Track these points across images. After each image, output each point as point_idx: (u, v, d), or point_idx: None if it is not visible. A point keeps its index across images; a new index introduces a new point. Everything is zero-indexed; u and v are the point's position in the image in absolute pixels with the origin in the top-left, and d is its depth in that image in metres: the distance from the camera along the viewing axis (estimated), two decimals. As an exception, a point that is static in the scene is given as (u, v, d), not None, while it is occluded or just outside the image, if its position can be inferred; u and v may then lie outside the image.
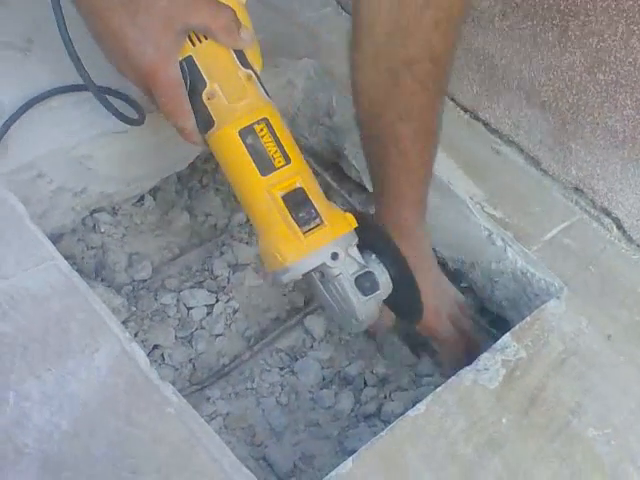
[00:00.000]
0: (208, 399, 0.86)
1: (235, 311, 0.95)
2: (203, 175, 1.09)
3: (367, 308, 0.76)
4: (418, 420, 0.75)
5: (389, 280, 0.78)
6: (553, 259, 0.93)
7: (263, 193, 0.73)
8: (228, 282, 0.97)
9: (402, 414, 0.83)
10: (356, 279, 0.75)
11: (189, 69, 0.74)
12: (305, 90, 1.11)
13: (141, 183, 1.01)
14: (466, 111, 1.09)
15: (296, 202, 0.73)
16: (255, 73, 0.76)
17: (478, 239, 0.96)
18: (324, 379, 0.91)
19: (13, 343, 0.72)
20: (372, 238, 0.78)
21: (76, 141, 0.91)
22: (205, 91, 0.74)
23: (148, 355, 0.77)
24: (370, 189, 0.96)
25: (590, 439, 0.77)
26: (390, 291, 0.78)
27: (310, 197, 0.73)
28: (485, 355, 0.81)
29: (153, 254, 0.99)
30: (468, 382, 0.79)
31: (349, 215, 0.76)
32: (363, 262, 0.76)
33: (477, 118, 1.08)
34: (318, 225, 0.73)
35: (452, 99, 1.09)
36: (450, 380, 0.79)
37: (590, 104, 0.95)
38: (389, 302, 0.80)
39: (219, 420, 0.84)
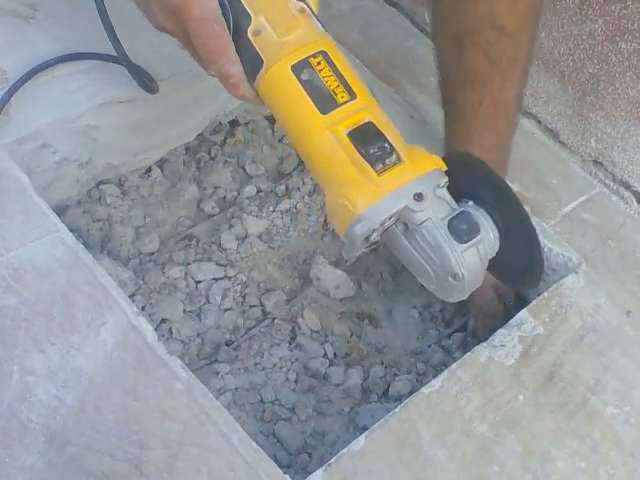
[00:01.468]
0: (217, 374, 0.85)
1: (244, 285, 0.93)
2: (212, 147, 1.06)
3: (467, 260, 0.61)
4: (432, 397, 0.74)
5: (494, 229, 0.63)
6: (571, 233, 0.90)
7: (325, 133, 0.61)
8: (237, 255, 0.95)
9: (412, 392, 0.82)
10: (449, 223, 0.61)
11: (231, 4, 0.64)
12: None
13: (148, 154, 0.99)
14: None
15: (365, 138, 0.61)
16: (310, 8, 0.66)
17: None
18: (335, 355, 0.89)
19: (17, 317, 0.71)
20: (470, 181, 0.65)
21: (81, 110, 0.88)
22: (250, 27, 0.64)
23: (156, 329, 0.76)
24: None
25: (609, 417, 0.75)
26: (497, 246, 0.64)
27: (382, 131, 0.61)
28: (501, 331, 0.80)
29: (160, 227, 0.97)
30: (483, 359, 0.77)
31: (436, 156, 0.63)
32: (457, 206, 0.62)
33: (494, 89, 1.05)
34: (395, 163, 0.60)
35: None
36: (465, 357, 0.77)
37: (611, 74, 0.92)
38: (493, 263, 0.65)
39: (228, 395, 0.83)
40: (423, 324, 0.94)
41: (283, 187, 1.03)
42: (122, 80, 0.89)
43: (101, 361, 0.69)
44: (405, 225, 0.62)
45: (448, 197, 0.62)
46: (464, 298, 0.65)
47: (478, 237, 0.61)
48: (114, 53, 0.87)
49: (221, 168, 1.05)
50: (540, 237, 0.65)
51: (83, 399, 0.67)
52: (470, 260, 0.61)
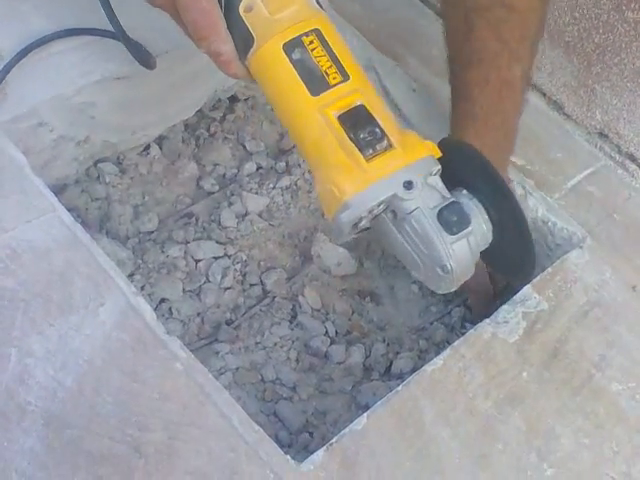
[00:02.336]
0: (217, 353, 0.84)
1: (244, 263, 0.92)
2: (211, 123, 1.05)
3: (456, 251, 0.60)
4: (435, 374, 0.73)
5: (487, 220, 0.62)
6: (576, 207, 0.89)
7: (315, 115, 0.59)
8: (237, 233, 0.94)
9: (415, 370, 0.82)
10: (439, 213, 0.59)
11: None
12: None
13: (146, 131, 0.97)
14: (485, 53, 1.04)
15: (356, 122, 0.59)
16: None
17: (497, 187, 0.92)
18: (336, 333, 0.88)
19: (14, 298, 0.70)
20: (465, 170, 0.63)
21: (77, 88, 0.87)
22: (242, 3, 0.62)
23: (155, 309, 0.75)
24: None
25: (614, 393, 0.74)
26: (489, 238, 0.63)
27: (374, 116, 0.59)
28: (505, 307, 0.79)
29: (159, 205, 0.96)
30: (487, 335, 0.76)
31: (429, 142, 0.61)
32: (448, 195, 0.60)
33: (496, 60, 1.03)
34: (386, 149, 0.58)
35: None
36: (468, 333, 0.77)
37: (617, 44, 0.90)
38: (487, 254, 0.64)
39: (228, 375, 0.82)
40: (425, 301, 0.93)
41: (283, 164, 1.02)
42: (119, 56, 0.87)
43: (100, 342, 0.69)
44: (394, 213, 0.60)
45: (440, 185, 0.61)
46: (453, 289, 0.64)
47: (468, 229, 0.60)
48: (110, 28, 0.86)
49: (220, 145, 1.03)
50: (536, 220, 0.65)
51: (82, 381, 0.66)
52: (459, 252, 0.60)
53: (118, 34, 0.82)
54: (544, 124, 0.98)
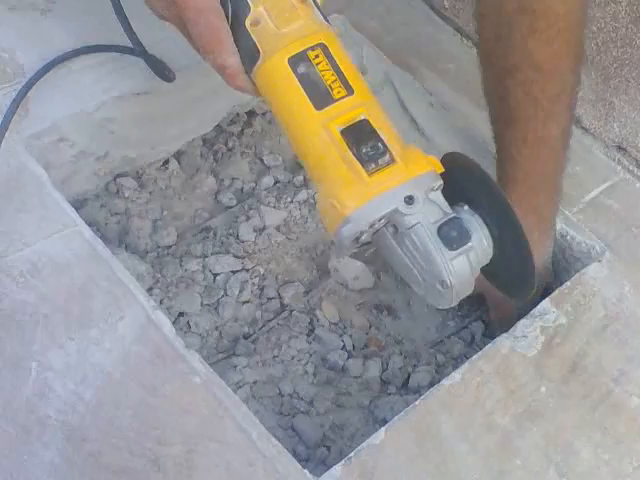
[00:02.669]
0: (235, 367, 0.84)
1: (262, 277, 0.92)
2: (229, 138, 1.05)
3: (456, 267, 0.59)
4: (453, 389, 0.73)
5: (488, 236, 0.62)
6: (594, 221, 0.89)
7: (318, 129, 0.59)
8: (254, 247, 0.94)
9: (432, 384, 0.82)
10: (439, 228, 0.59)
11: None
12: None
13: (165, 146, 0.98)
14: (502, 67, 1.04)
15: (358, 136, 0.59)
16: None
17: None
18: (354, 347, 0.89)
19: (35, 312, 0.71)
20: (467, 186, 0.63)
21: (98, 103, 0.88)
22: (248, 17, 0.62)
23: (173, 323, 0.76)
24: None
25: (633, 409, 0.74)
26: (490, 254, 0.62)
27: (377, 130, 0.59)
28: (523, 322, 0.78)
29: (178, 220, 0.97)
30: (505, 350, 0.76)
31: (432, 157, 0.61)
32: (450, 210, 0.60)
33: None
34: (388, 164, 0.58)
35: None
36: (486, 348, 0.76)
37: (636, 58, 0.90)
38: (487, 270, 0.64)
39: (246, 389, 0.82)
40: (442, 315, 0.93)
41: (301, 178, 1.02)
42: (138, 72, 0.89)
43: (119, 356, 0.69)
44: (395, 228, 0.60)
45: (441, 201, 0.61)
46: (453, 305, 0.63)
47: (469, 245, 0.60)
48: (129, 44, 0.87)
49: (238, 159, 1.04)
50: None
51: (101, 395, 0.67)
52: (459, 268, 0.60)
53: (135, 48, 0.82)
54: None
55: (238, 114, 1.06)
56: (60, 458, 0.63)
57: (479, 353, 0.76)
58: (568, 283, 0.82)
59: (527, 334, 0.78)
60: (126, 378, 0.68)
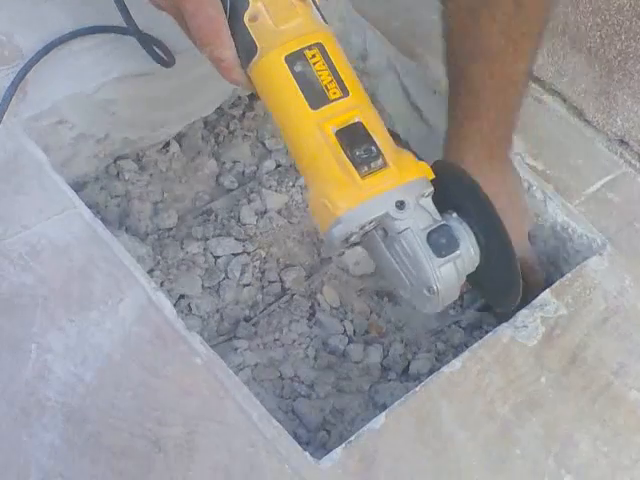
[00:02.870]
0: (236, 350, 0.84)
1: (263, 260, 0.92)
2: (230, 121, 1.05)
3: (443, 274, 0.61)
4: (453, 377, 0.73)
5: (475, 245, 0.63)
6: (595, 214, 0.88)
7: (313, 129, 0.60)
8: (256, 230, 0.94)
9: (432, 371, 0.82)
10: (428, 235, 0.60)
11: None
12: (337, 32, 1.06)
13: (166, 128, 0.98)
14: (506, 57, 1.04)
15: (352, 138, 0.60)
16: None
17: (517, 191, 0.91)
18: (355, 332, 0.89)
19: (34, 294, 0.70)
20: (456, 194, 0.64)
21: (97, 85, 0.87)
22: (247, 12, 0.62)
23: (174, 305, 0.76)
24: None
25: (632, 401, 0.74)
26: (477, 262, 0.64)
27: (371, 133, 0.60)
28: (524, 312, 0.78)
29: (179, 202, 0.97)
30: (506, 339, 0.76)
31: (423, 164, 0.62)
32: (439, 217, 0.62)
33: (518, 65, 1.03)
34: (381, 167, 0.59)
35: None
36: (487, 337, 0.76)
37: (640, 51, 0.90)
38: (473, 278, 0.65)
39: (247, 371, 0.82)
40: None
41: (302, 162, 1.02)
42: (139, 53, 0.87)
43: (119, 337, 0.69)
44: (385, 231, 0.61)
45: (431, 207, 0.62)
46: (439, 310, 0.65)
47: (457, 252, 0.61)
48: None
49: (240, 142, 1.03)
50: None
51: (102, 376, 0.67)
52: (446, 275, 0.61)
53: (133, 32, 0.82)
54: (564, 130, 0.98)
55: (240, 97, 1.05)
56: (60, 439, 0.63)
57: (479, 342, 0.76)
58: (569, 275, 0.82)
59: (528, 324, 0.77)
60: (126, 359, 0.68)
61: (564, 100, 1.00)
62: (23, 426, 0.63)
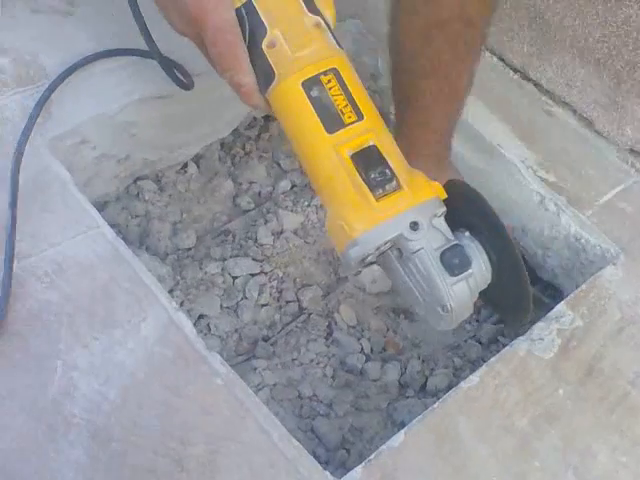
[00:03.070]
0: (254, 369, 0.85)
1: (280, 280, 0.93)
2: (246, 142, 1.07)
3: (456, 292, 0.62)
4: (471, 392, 0.73)
5: (487, 263, 0.64)
6: (608, 224, 0.89)
7: (329, 152, 0.62)
8: (273, 250, 0.95)
9: (450, 387, 0.82)
10: (442, 255, 0.62)
11: (248, 15, 0.65)
12: (349, 52, 1.08)
13: (184, 150, 0.99)
14: (516, 71, 1.05)
15: (367, 162, 0.61)
16: (325, 22, 0.67)
17: (529, 204, 0.92)
18: (372, 350, 0.89)
19: (60, 312, 0.72)
20: (468, 213, 0.66)
21: (119, 106, 0.89)
22: (265, 39, 0.64)
23: (194, 325, 0.76)
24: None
25: (650, 411, 0.74)
26: (488, 279, 0.65)
27: (385, 156, 0.62)
28: (539, 324, 0.79)
29: (197, 222, 0.98)
30: (522, 352, 0.77)
31: (436, 184, 0.64)
32: (452, 237, 0.63)
33: (528, 78, 1.04)
34: (395, 190, 0.61)
35: (501, 59, 1.06)
36: (503, 350, 0.77)
37: (648, 61, 0.91)
38: (485, 294, 0.66)
39: (266, 391, 0.83)
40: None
41: (317, 182, 1.03)
42: (159, 76, 0.89)
43: (142, 357, 0.70)
44: (399, 251, 0.63)
45: (444, 227, 0.63)
46: (452, 328, 0.66)
47: (469, 271, 0.63)
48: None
49: (256, 163, 1.05)
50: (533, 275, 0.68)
51: (125, 394, 0.68)
52: (459, 293, 0.63)
53: (154, 56, 0.84)
54: (575, 141, 0.99)
55: (255, 118, 1.07)
56: (86, 456, 0.64)
57: (496, 356, 0.77)
58: (584, 286, 0.83)
59: (544, 337, 0.78)
60: (150, 378, 0.69)
61: (574, 111, 1.01)
62: (50, 442, 0.64)
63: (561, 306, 0.81)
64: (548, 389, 0.75)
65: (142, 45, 0.89)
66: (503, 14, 1.03)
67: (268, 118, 1.09)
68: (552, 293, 0.93)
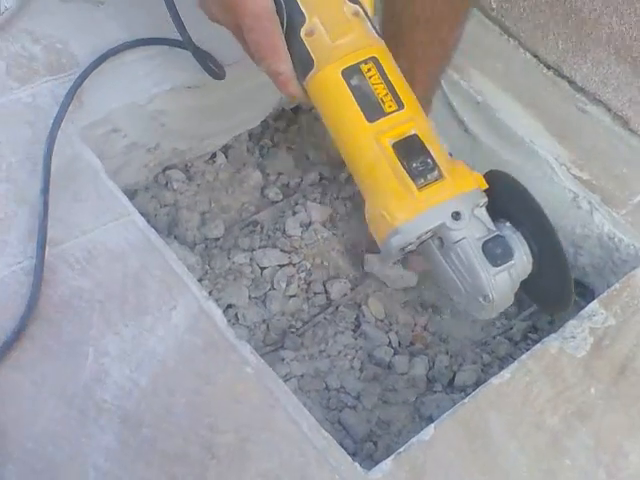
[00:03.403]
0: (282, 360, 0.85)
1: (309, 272, 0.93)
2: (274, 133, 1.06)
3: (498, 283, 0.62)
4: (502, 388, 0.73)
5: (528, 253, 0.64)
6: (643, 223, 0.88)
7: (370, 142, 0.62)
8: (301, 242, 0.95)
9: (478, 383, 0.82)
10: (484, 245, 0.62)
11: (286, 3, 0.64)
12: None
13: (213, 140, 0.99)
14: (550, 68, 1.04)
15: (409, 151, 0.61)
16: (364, 10, 0.66)
17: (562, 202, 0.91)
18: (400, 344, 0.89)
19: (91, 299, 0.72)
20: (509, 203, 0.66)
21: (150, 96, 0.89)
22: (303, 27, 0.64)
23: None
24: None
25: (684, 412, 0.73)
26: (529, 270, 0.65)
27: (427, 146, 0.62)
28: (572, 322, 0.78)
29: (225, 212, 0.98)
30: (554, 350, 0.76)
31: (477, 174, 0.64)
32: (493, 227, 0.63)
33: (562, 75, 1.03)
34: (436, 179, 0.61)
35: (535, 55, 1.05)
36: (535, 348, 0.76)
37: (686, 59, 0.90)
38: (525, 283, 0.66)
39: (294, 382, 0.83)
40: (487, 314, 0.93)
41: (345, 174, 1.02)
42: (190, 65, 0.89)
43: (173, 344, 0.70)
44: (441, 241, 0.63)
45: (486, 217, 0.63)
46: (493, 317, 0.67)
47: (511, 262, 0.62)
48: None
49: (284, 154, 1.05)
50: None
51: (156, 381, 0.68)
52: (501, 283, 0.63)
53: (188, 46, 0.84)
54: (609, 140, 0.98)
55: (284, 109, 1.07)
56: (116, 442, 0.64)
57: (527, 353, 0.76)
58: (617, 285, 0.82)
59: (576, 335, 0.77)
60: (180, 366, 0.69)
61: (609, 110, 1.00)
62: (81, 427, 0.64)
63: (594, 304, 0.80)
64: (580, 387, 0.74)
65: (173, 35, 0.89)
66: (537, 10, 1.03)
67: (297, 110, 1.08)
68: (582, 291, 0.91)
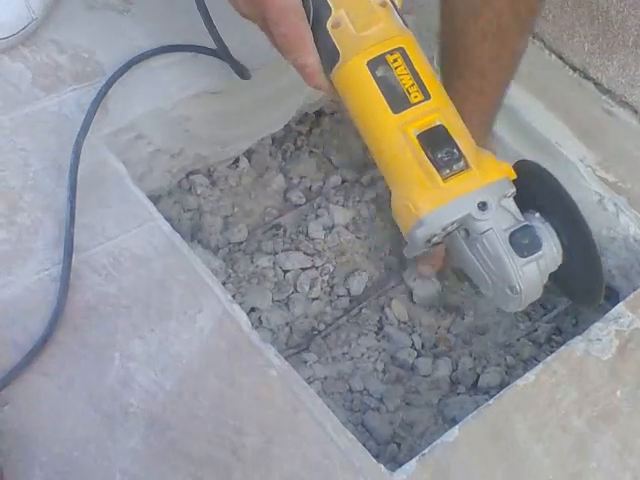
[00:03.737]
0: (305, 363, 0.85)
1: (331, 275, 0.93)
2: (297, 137, 1.07)
3: (526, 274, 0.61)
4: (527, 390, 0.73)
5: (558, 245, 0.63)
6: (671, 225, 0.87)
7: (395, 132, 0.61)
8: (324, 245, 0.95)
9: (502, 385, 0.81)
10: (511, 235, 0.61)
11: None
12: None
13: (236, 145, 1.00)
14: (576, 70, 1.04)
15: (434, 141, 0.61)
16: (392, 1, 0.65)
17: (588, 204, 0.90)
18: (423, 346, 0.89)
19: (117, 304, 0.72)
20: (538, 193, 0.65)
21: (174, 102, 0.90)
22: (329, 19, 0.63)
23: (246, 318, 0.77)
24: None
25: None
26: (559, 261, 0.64)
27: (452, 136, 0.61)
28: (597, 325, 0.78)
29: (248, 217, 0.98)
30: (579, 352, 0.76)
31: (505, 164, 0.63)
32: (521, 218, 0.62)
33: (588, 77, 1.03)
34: (462, 169, 0.60)
35: (560, 57, 1.04)
36: (560, 350, 0.76)
37: None
38: (555, 275, 0.65)
39: (317, 384, 0.83)
40: (511, 317, 0.93)
41: (368, 177, 1.03)
42: (213, 71, 0.90)
43: (197, 348, 0.71)
44: (467, 232, 0.62)
45: (513, 208, 0.62)
46: (521, 309, 0.66)
47: (539, 252, 0.62)
48: (205, 44, 0.89)
49: (307, 158, 1.05)
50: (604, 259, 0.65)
51: (181, 385, 0.68)
52: (529, 274, 0.62)
53: (217, 44, 0.84)
54: (636, 141, 0.97)
55: (307, 113, 1.07)
56: (142, 445, 0.64)
57: (553, 355, 0.76)
58: (643, 287, 0.82)
59: (601, 337, 0.77)
60: (205, 369, 0.70)
61: (635, 112, 0.99)
62: (108, 430, 0.65)
63: (620, 307, 0.79)
64: (605, 390, 0.73)
65: (196, 41, 0.90)
66: (563, 12, 1.02)
67: (319, 113, 1.09)
68: (608, 294, 0.91)
